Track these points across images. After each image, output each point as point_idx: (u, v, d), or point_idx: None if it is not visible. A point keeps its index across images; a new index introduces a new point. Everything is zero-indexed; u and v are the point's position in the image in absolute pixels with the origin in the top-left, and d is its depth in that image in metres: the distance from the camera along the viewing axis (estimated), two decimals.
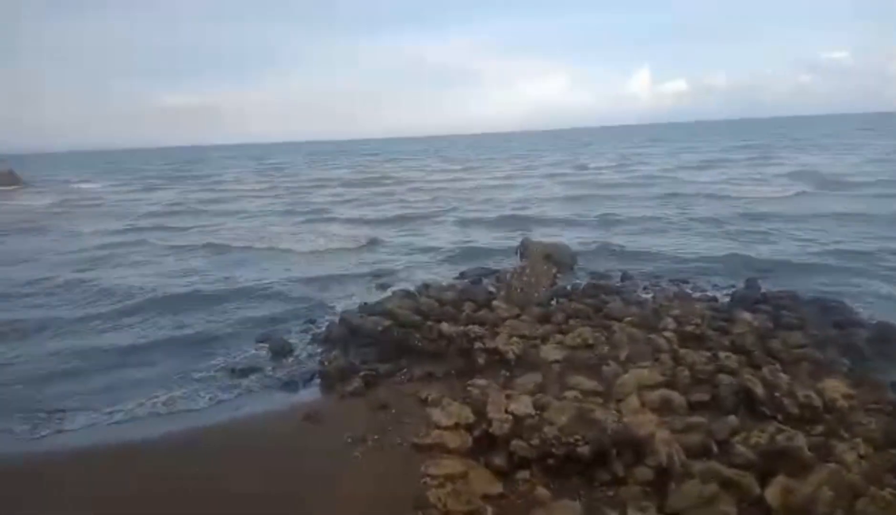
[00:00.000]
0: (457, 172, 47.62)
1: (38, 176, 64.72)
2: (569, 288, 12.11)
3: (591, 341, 8.95)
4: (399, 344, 9.55)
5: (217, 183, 48.86)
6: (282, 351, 10.11)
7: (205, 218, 27.49)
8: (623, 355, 8.43)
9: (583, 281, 12.97)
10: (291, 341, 10.53)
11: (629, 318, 9.65)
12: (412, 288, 12.57)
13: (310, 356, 9.94)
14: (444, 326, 9.61)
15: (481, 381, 7.93)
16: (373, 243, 19.13)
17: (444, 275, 14.57)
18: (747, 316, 9.51)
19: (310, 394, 8.57)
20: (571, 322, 9.82)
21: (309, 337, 10.83)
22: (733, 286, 12.27)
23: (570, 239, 17.76)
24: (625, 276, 13.47)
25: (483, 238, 19.41)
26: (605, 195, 28.31)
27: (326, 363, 9.09)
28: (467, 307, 10.71)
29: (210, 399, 8.53)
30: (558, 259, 13.98)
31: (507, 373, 8.39)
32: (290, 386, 8.88)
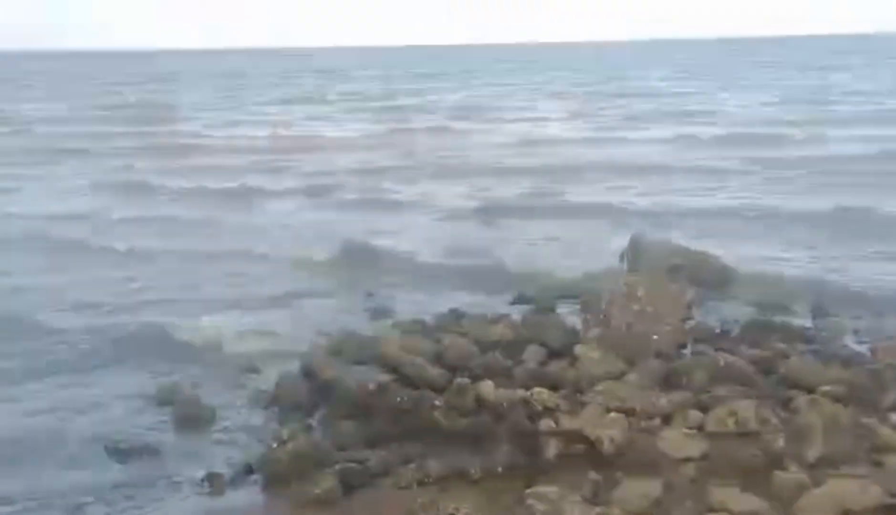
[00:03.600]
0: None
1: None
2: (716, 327, 12.01)
3: (753, 425, 8.82)
4: (405, 417, 9.53)
5: None
6: (195, 420, 10.19)
7: None
8: (814, 453, 8.30)
9: (742, 315, 12.87)
10: (213, 403, 10.61)
11: (826, 387, 9.51)
12: (429, 318, 12.60)
13: (245, 429, 10.03)
14: (488, 388, 9.57)
15: (551, 489, 7.86)
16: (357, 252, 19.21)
17: (489, 297, 14.57)
18: None
19: (244, 500, 8.56)
20: (719, 389, 9.69)
21: (244, 396, 10.93)
22: None
23: (719, 242, 17.48)
24: (818, 311, 13.30)
25: (560, 232, 19.61)
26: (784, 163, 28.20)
27: (275, 444, 9.07)
28: (530, 355, 10.68)
29: (64, 506, 8.54)
30: (696, 275, 13.90)
31: (600, 477, 8.32)
32: (209, 483, 8.88)
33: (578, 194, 24.84)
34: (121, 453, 9.56)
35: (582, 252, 17.59)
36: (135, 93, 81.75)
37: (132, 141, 42.00)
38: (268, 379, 11.34)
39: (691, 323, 11.91)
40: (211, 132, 46.10)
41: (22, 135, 46.53)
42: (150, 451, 9.59)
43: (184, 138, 43.28)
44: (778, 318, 12.57)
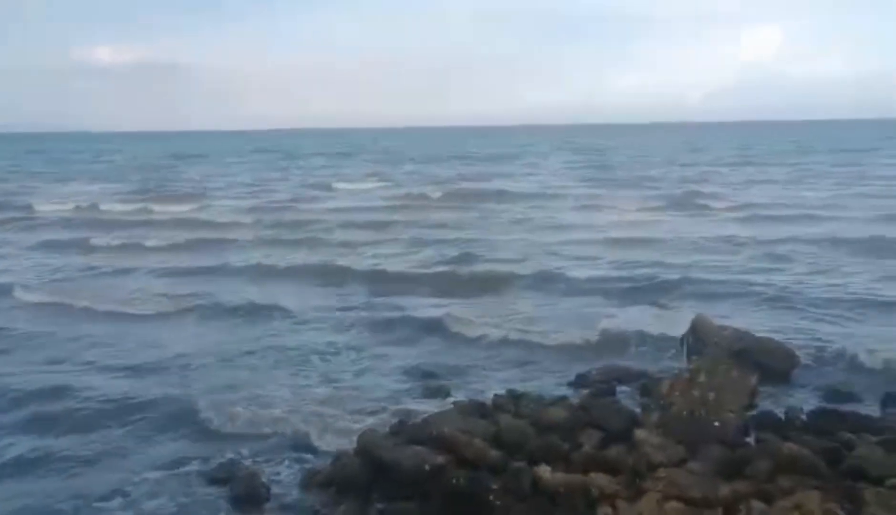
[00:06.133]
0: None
1: None
2: (781, 415, 11.90)
3: None
4: (462, 499, 9.56)
5: None
6: (251, 499, 10.33)
7: None
8: None
9: (808, 403, 12.79)
10: (267, 481, 10.77)
11: (895, 480, 9.28)
12: (488, 399, 12.65)
13: (301, 509, 10.11)
14: (546, 472, 9.58)
15: None
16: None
17: (548, 378, 14.59)
18: None
19: None
20: (783, 479, 9.51)
21: (299, 475, 11.06)
22: None
23: (782, 326, 17.35)
24: (888, 400, 13.21)
25: (619, 313, 19.63)
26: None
27: None
28: (588, 439, 10.66)
29: None
30: (761, 360, 13.77)
31: None
32: None
33: None
34: None
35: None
36: None
37: None
38: (320, 458, 11.50)
39: (755, 410, 11.78)
40: None
41: None
42: None
43: None
44: (845, 408, 12.39)
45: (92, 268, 27.72)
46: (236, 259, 28.98)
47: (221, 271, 26.84)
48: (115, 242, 33.67)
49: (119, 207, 47.58)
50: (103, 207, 47.43)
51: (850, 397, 13.36)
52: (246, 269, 26.88)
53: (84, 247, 32.75)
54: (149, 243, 33.12)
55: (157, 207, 46.66)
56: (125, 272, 26.87)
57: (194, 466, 11.59)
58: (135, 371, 16.09)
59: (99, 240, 34.14)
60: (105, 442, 12.58)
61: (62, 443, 12.49)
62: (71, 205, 47.82)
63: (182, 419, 13.39)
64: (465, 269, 25.60)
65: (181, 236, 34.59)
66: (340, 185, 60.39)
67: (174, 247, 32.15)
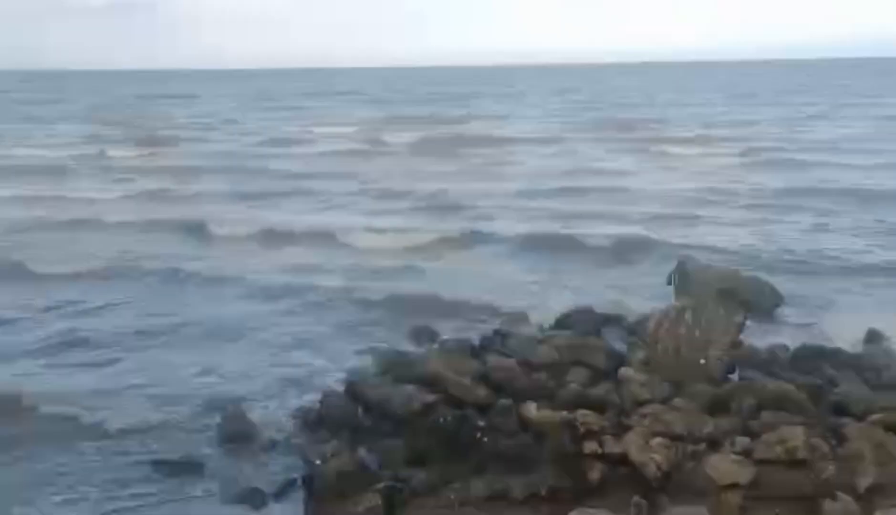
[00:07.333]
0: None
1: None
2: (765, 352, 11.94)
3: (803, 453, 8.75)
4: (449, 437, 9.62)
5: None
6: (241, 437, 10.38)
7: None
8: (865, 483, 8.24)
9: (791, 340, 12.79)
10: (257, 420, 10.79)
11: (879, 416, 9.38)
12: (475, 339, 12.64)
13: (289, 447, 10.17)
14: (532, 409, 9.62)
15: (595, 512, 7.88)
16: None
17: (533, 316, 14.65)
18: None
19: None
20: (767, 415, 9.63)
21: (288, 414, 11.11)
22: None
23: (764, 263, 17.65)
24: (872, 336, 13.26)
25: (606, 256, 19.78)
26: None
27: (319, 461, 9.21)
28: (575, 376, 10.69)
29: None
30: (746, 297, 13.66)
31: (644, 502, 8.34)
32: (252, 498, 9.06)
33: None
34: (166, 466, 9.79)
35: None
36: None
37: None
38: (310, 395, 11.53)
39: (740, 347, 11.80)
40: None
41: None
42: (193, 466, 9.79)
43: None
44: (829, 344, 12.46)
45: None
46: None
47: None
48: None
49: None
50: None
51: (836, 333, 13.47)
52: None
53: None
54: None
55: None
56: None
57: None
58: None
59: None
60: None
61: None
62: None
63: None
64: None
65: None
66: None
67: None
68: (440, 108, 78.42)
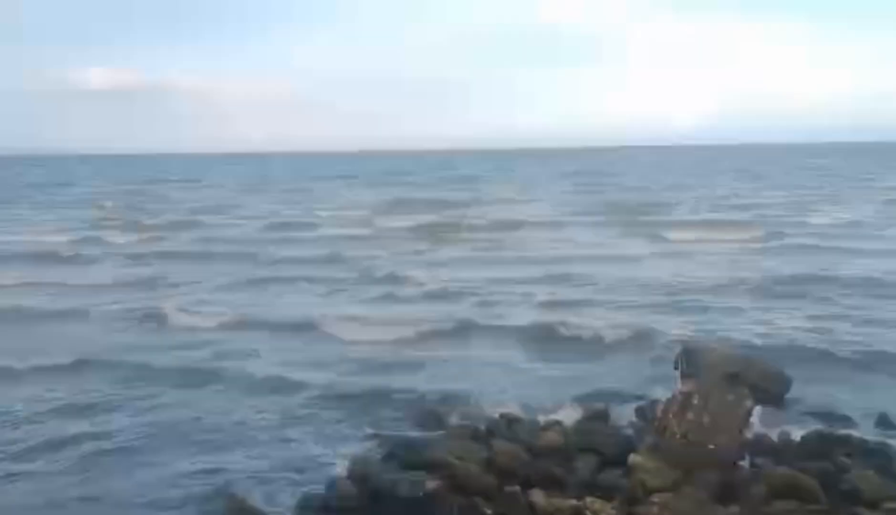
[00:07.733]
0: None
1: None
2: (775, 438, 11.88)
3: None
4: None
5: None
6: None
7: None
8: None
9: (803, 427, 12.76)
10: (259, 506, 10.70)
11: (891, 504, 9.37)
12: (482, 425, 12.59)
13: None
14: (539, 497, 9.60)
15: None
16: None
17: (542, 401, 14.59)
18: None
19: None
20: (778, 503, 9.59)
21: (293, 500, 10.97)
22: None
23: (778, 346, 17.49)
24: (884, 422, 13.24)
25: (612, 337, 19.58)
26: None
27: None
28: (583, 463, 10.66)
29: None
30: (756, 383, 13.68)
31: None
32: None
33: None
34: None
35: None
36: None
37: None
38: (315, 482, 11.39)
39: (749, 433, 11.77)
40: None
41: None
42: None
43: None
44: (841, 431, 12.34)
45: None
46: None
47: None
48: None
49: None
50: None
51: (845, 420, 13.37)
52: None
53: None
54: None
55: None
56: None
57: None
58: None
59: None
60: None
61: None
62: None
63: None
64: None
65: None
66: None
67: None
68: (445, 193, 78.82)
